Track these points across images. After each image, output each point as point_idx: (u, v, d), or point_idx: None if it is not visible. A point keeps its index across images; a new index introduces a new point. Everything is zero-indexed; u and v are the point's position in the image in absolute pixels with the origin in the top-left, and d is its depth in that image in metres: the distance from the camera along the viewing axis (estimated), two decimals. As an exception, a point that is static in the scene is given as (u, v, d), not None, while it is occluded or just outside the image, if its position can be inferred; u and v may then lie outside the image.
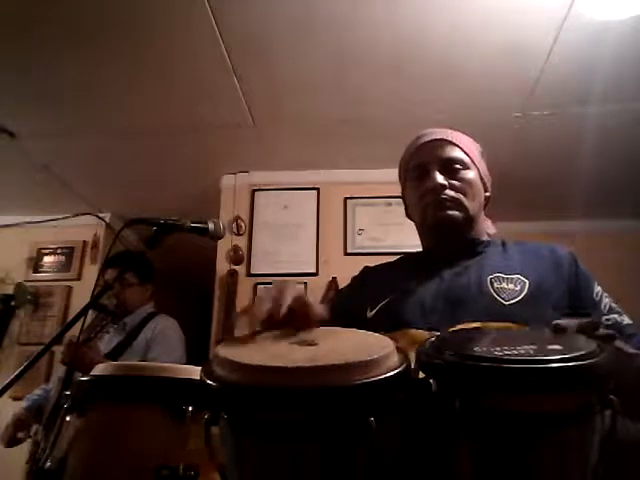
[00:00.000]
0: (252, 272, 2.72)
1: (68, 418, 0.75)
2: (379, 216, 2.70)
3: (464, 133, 1.03)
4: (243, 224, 2.80)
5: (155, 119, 2.39)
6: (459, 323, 0.82)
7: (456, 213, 0.93)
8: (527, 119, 2.34)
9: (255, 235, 2.80)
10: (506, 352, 0.47)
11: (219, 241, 2.54)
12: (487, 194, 1.01)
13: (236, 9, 1.76)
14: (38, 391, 2.05)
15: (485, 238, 0.99)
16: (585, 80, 2.04)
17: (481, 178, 0.99)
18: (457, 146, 0.98)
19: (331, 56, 1.98)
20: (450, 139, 0.98)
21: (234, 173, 2.89)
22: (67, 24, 1.82)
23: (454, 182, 0.94)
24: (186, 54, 1.97)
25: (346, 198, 2.82)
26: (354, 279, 1.09)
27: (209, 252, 2.75)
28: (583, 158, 2.50)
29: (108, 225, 3.30)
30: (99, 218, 3.29)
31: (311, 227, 2.78)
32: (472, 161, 0.98)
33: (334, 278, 2.62)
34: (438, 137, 0.99)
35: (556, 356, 0.45)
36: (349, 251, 2.73)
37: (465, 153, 0.98)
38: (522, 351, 0.47)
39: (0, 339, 2.98)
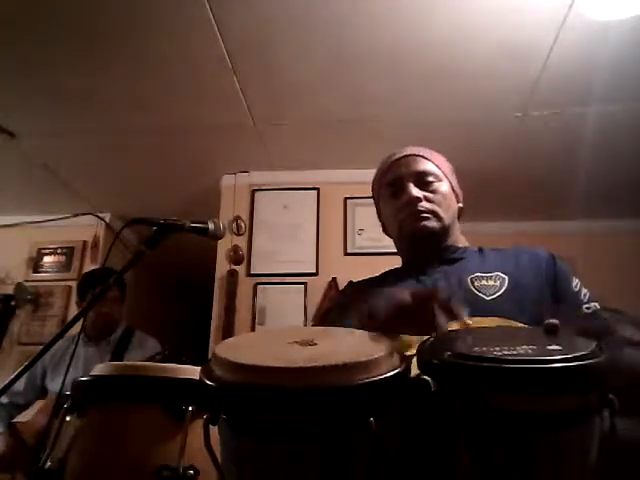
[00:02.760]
0: (252, 272, 2.72)
1: (68, 418, 0.75)
2: (379, 216, 2.70)
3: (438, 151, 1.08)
4: (243, 224, 2.80)
5: (155, 119, 2.39)
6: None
7: (433, 224, 0.96)
8: (527, 119, 2.34)
9: (255, 235, 2.80)
10: (505, 352, 0.47)
11: (219, 241, 2.54)
12: (460, 205, 1.05)
13: (236, 9, 1.76)
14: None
15: (461, 245, 1.03)
16: (585, 80, 2.04)
17: (453, 190, 1.03)
18: (429, 160, 1.02)
19: (331, 56, 1.98)
20: (421, 154, 1.02)
21: (234, 173, 2.89)
22: (67, 24, 1.82)
23: (428, 194, 0.98)
24: (186, 54, 1.97)
25: (346, 198, 2.82)
26: (341, 294, 1.13)
27: (209, 252, 2.75)
28: (583, 158, 2.50)
29: (108, 225, 3.30)
30: (99, 218, 3.29)
31: (311, 227, 2.78)
32: (444, 174, 1.02)
33: (334, 278, 2.62)
34: (410, 153, 1.03)
35: (556, 356, 0.45)
36: (349, 251, 2.73)
37: (437, 166, 1.02)
38: (521, 351, 0.47)
39: (0, 339, 2.98)
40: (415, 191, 0.97)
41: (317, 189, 2.86)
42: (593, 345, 0.48)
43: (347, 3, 1.73)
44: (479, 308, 0.84)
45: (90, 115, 2.35)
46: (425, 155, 1.02)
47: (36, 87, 2.15)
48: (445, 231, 0.98)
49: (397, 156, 1.04)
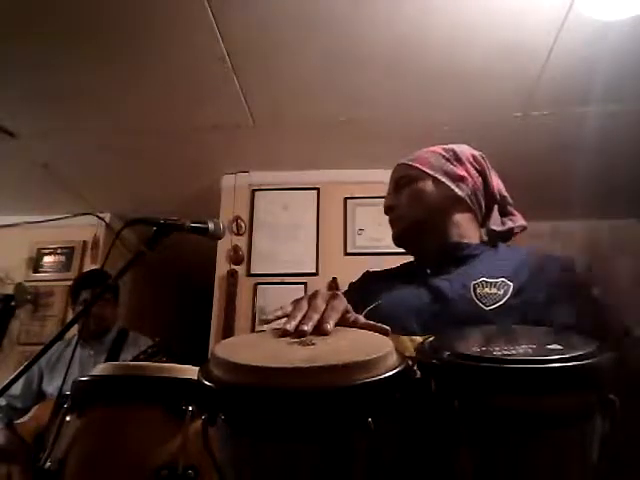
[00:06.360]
0: (252, 272, 2.72)
1: (68, 418, 0.75)
2: (379, 216, 2.67)
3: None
4: (243, 224, 2.80)
5: (155, 119, 2.39)
6: (442, 331, 0.80)
7: (399, 227, 1.00)
8: (527, 119, 2.34)
9: (255, 235, 2.80)
10: (505, 352, 0.47)
11: (219, 241, 2.54)
12: (457, 192, 0.98)
13: (236, 9, 1.76)
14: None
15: (472, 241, 0.97)
16: (585, 80, 2.04)
17: (436, 182, 0.99)
18: (410, 164, 1.02)
19: (331, 56, 1.98)
20: (404, 161, 1.04)
21: (234, 173, 2.89)
22: (67, 24, 1.82)
23: (401, 198, 1.01)
24: (186, 54, 1.97)
25: (346, 198, 2.82)
26: (352, 285, 1.10)
27: (209, 252, 2.75)
28: (583, 158, 2.49)
29: (108, 225, 3.31)
30: (99, 218, 3.29)
31: (311, 227, 2.78)
32: (427, 172, 1.00)
33: (334, 278, 2.62)
34: (399, 162, 1.06)
35: (556, 356, 0.45)
36: (349, 251, 2.73)
37: (418, 168, 1.01)
38: (521, 351, 0.47)
39: (0, 339, 2.98)
40: (388, 200, 1.03)
41: (317, 189, 2.86)
42: (593, 345, 0.48)
43: (347, 3, 1.73)
44: (476, 318, 0.79)
45: (90, 115, 2.35)
46: (407, 162, 1.03)
47: (36, 87, 2.15)
48: (421, 226, 0.98)
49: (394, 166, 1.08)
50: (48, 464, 0.71)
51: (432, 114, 2.30)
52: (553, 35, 1.85)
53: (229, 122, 2.41)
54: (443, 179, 0.99)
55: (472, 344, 0.51)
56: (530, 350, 0.47)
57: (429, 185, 0.99)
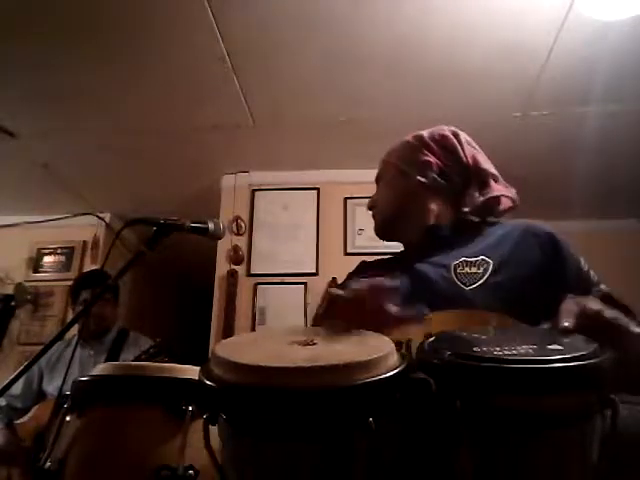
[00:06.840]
0: (252, 272, 2.72)
1: (68, 418, 0.75)
2: (379, 216, 2.69)
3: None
4: (243, 224, 2.80)
5: (155, 119, 2.39)
6: (425, 314, 0.79)
7: (378, 221, 1.04)
8: (527, 119, 2.34)
9: (255, 235, 2.80)
10: (506, 352, 0.47)
11: (219, 241, 2.54)
12: (420, 179, 0.97)
13: (236, 9, 1.76)
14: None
15: (450, 223, 0.96)
16: (585, 80, 2.04)
17: (402, 172, 1.01)
18: (382, 161, 1.07)
19: (331, 56, 1.98)
20: (382, 158, 1.08)
21: (234, 173, 2.89)
22: (67, 24, 1.82)
23: (378, 193, 1.06)
24: (186, 54, 1.97)
25: (346, 198, 2.82)
26: (350, 275, 1.10)
27: (209, 252, 2.75)
28: (583, 158, 2.50)
29: (108, 225, 3.31)
30: (99, 218, 3.29)
31: (311, 227, 2.78)
32: (393, 163, 1.03)
33: (334, 278, 2.62)
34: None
35: (557, 356, 0.45)
36: (349, 251, 2.73)
37: (386, 162, 1.05)
38: (522, 351, 0.47)
39: (0, 339, 2.98)
40: (370, 199, 1.06)
41: (317, 189, 2.86)
42: (594, 345, 0.48)
43: (347, 3, 1.73)
44: (456, 298, 0.80)
45: (90, 115, 2.35)
46: (383, 158, 1.07)
47: (36, 87, 2.15)
48: (395, 218, 1.00)
49: None
50: (48, 464, 0.71)
51: (432, 114, 2.29)
52: (553, 35, 1.85)
53: (229, 122, 2.41)
54: (407, 169, 1.00)
55: (473, 344, 0.51)
56: (531, 350, 0.47)
57: (396, 177, 1.02)
